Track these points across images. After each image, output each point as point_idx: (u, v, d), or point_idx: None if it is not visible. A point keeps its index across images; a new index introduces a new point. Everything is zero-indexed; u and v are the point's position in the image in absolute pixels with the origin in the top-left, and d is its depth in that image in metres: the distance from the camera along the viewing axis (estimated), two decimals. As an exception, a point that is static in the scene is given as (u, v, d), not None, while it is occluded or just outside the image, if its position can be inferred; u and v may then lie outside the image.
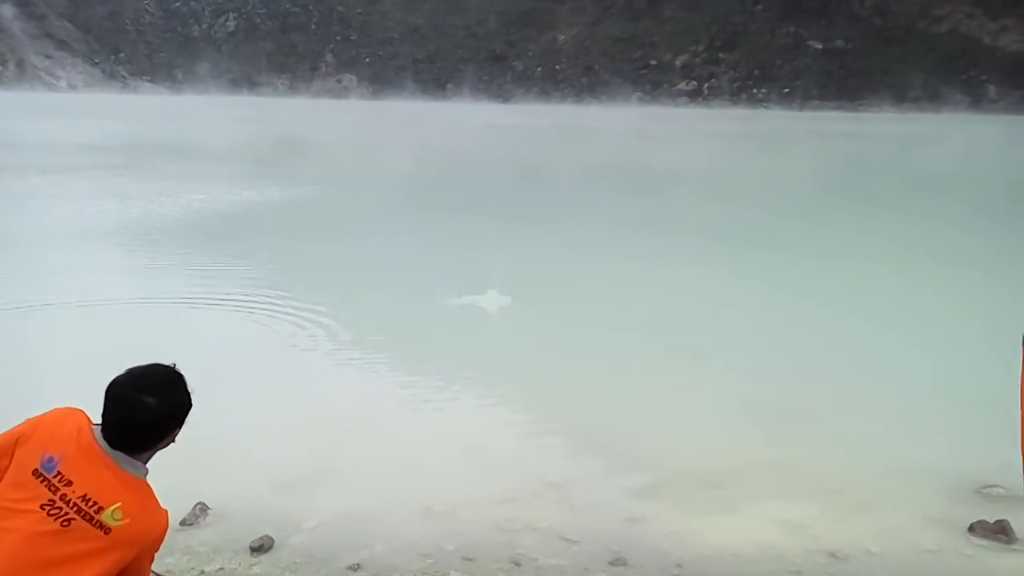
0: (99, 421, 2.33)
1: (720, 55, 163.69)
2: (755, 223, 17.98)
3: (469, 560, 4.34)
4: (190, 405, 2.42)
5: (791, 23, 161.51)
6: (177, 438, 2.43)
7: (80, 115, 65.84)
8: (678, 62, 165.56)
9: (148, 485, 2.35)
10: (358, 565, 4.25)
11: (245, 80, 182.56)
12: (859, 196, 25.09)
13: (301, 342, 8.36)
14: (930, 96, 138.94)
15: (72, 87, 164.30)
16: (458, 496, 5.03)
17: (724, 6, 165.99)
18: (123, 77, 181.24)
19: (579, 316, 9.71)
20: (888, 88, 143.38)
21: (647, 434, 6.19)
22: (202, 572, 4.15)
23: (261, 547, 4.37)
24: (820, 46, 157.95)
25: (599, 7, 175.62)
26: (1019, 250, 14.47)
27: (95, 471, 2.24)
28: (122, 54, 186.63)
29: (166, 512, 2.38)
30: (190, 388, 2.42)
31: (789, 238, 16.01)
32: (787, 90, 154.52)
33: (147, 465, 2.38)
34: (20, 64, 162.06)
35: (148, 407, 2.28)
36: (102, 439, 2.29)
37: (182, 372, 2.43)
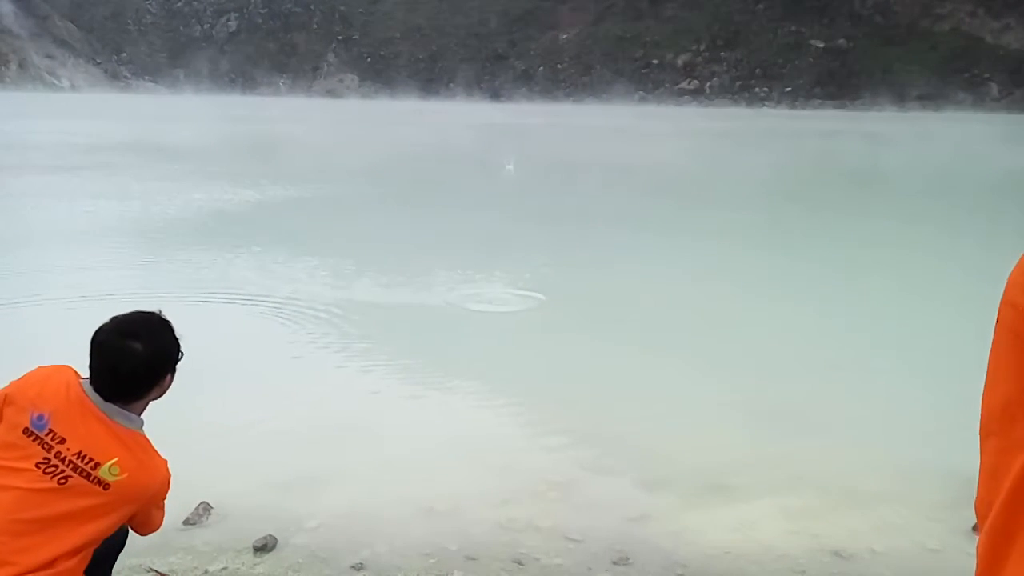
0: (87, 375, 2.28)
1: (722, 54, 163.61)
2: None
3: (472, 560, 4.33)
4: (179, 349, 2.36)
5: (793, 22, 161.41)
6: (169, 388, 2.37)
7: (79, 115, 65.79)
8: (680, 61, 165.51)
9: (145, 437, 2.30)
10: (361, 564, 4.25)
11: (247, 80, 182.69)
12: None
13: (302, 339, 8.35)
14: (932, 95, 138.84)
15: (74, 87, 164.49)
16: (460, 495, 5.02)
17: (726, 5, 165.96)
18: (125, 77, 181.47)
19: (576, 315, 9.70)
20: (890, 87, 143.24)
21: (649, 433, 6.18)
22: (205, 572, 4.14)
23: (265, 546, 4.36)
24: (822, 45, 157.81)
25: (600, 6, 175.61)
26: (1005, 245, 14.39)
27: (88, 426, 2.20)
28: (124, 54, 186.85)
29: (165, 462, 2.33)
30: (178, 335, 2.36)
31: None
32: (789, 89, 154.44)
33: (142, 417, 2.33)
34: (22, 64, 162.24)
35: (135, 352, 2.23)
36: (93, 392, 2.23)
37: (168, 318, 2.38)
